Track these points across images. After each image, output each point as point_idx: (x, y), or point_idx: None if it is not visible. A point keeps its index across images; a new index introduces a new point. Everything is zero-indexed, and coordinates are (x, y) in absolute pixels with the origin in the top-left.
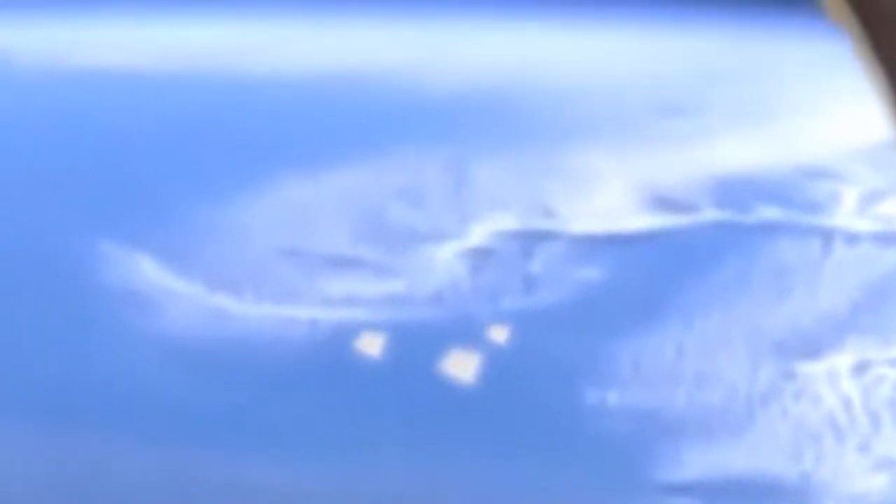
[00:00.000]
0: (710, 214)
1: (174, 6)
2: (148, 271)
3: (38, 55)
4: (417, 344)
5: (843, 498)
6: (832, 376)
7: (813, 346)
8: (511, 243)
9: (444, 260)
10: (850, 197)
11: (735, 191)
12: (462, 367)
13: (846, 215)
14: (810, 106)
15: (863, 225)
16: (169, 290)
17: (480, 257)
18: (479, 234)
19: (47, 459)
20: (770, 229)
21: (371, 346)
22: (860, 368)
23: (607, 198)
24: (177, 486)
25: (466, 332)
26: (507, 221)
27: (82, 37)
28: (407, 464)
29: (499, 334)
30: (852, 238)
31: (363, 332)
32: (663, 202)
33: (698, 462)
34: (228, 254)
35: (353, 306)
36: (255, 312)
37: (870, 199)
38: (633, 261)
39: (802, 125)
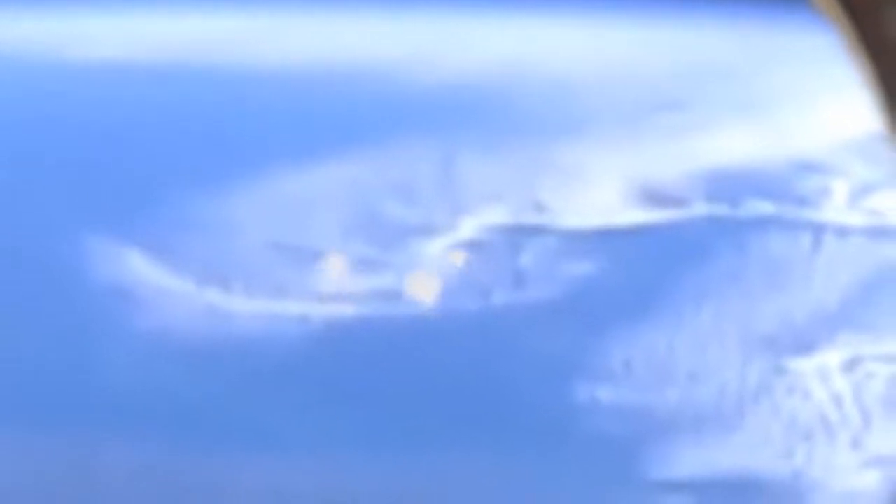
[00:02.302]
0: (701, 209)
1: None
2: (137, 266)
3: (29, 48)
4: (408, 338)
5: (834, 495)
6: (823, 372)
7: (804, 341)
8: (501, 237)
9: (435, 254)
10: (840, 191)
11: (726, 185)
12: (423, 288)
13: (837, 209)
14: (801, 99)
15: (854, 219)
16: (159, 285)
17: (471, 251)
18: (469, 227)
19: (37, 456)
20: (761, 224)
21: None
22: (851, 364)
23: (598, 192)
24: (167, 482)
25: (457, 327)
26: (497, 215)
27: (72, 30)
28: (398, 460)
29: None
30: (843, 232)
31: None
32: (654, 197)
33: (690, 459)
34: (219, 248)
35: (344, 301)
36: (245, 308)
37: (861, 193)
38: (624, 256)
39: (793, 119)
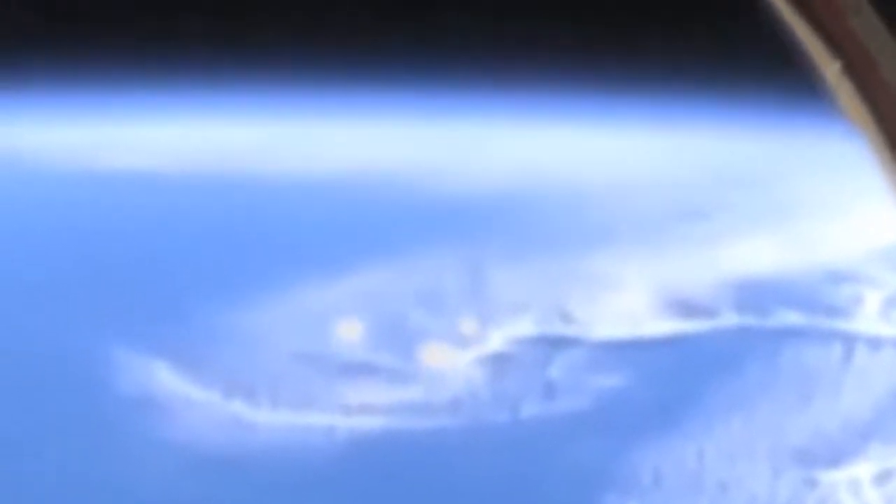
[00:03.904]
0: (730, 319)
1: (193, 109)
2: (164, 377)
3: (61, 156)
4: (435, 451)
5: None
6: (854, 485)
7: (835, 453)
8: (530, 349)
9: (463, 366)
10: (872, 300)
11: (756, 295)
12: (439, 358)
13: (869, 319)
14: (829, 207)
15: (886, 329)
16: (185, 396)
17: (499, 363)
18: (497, 339)
19: None
20: (791, 334)
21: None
22: (882, 477)
23: (626, 302)
24: None
25: (485, 439)
26: (525, 326)
27: (101, 139)
28: None
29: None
30: (875, 343)
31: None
32: (683, 307)
33: None
34: (245, 360)
35: (370, 413)
36: (271, 419)
37: (892, 303)
38: (654, 367)
39: (822, 227)
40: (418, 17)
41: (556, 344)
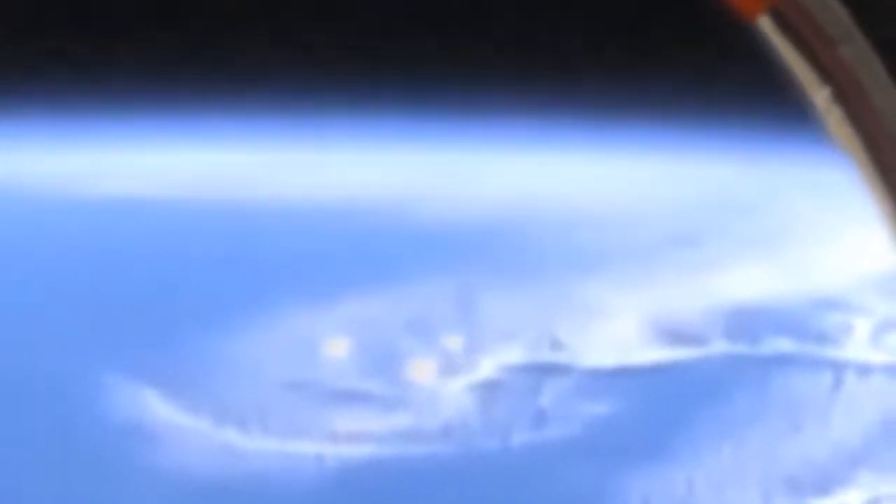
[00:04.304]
0: (720, 346)
1: (184, 135)
2: (154, 405)
3: (50, 183)
4: (425, 479)
5: None
6: None
7: (825, 481)
8: (520, 377)
9: (453, 393)
10: (862, 328)
11: (746, 322)
12: (429, 383)
13: (858, 347)
14: (819, 235)
15: (875, 357)
16: (175, 424)
17: (490, 390)
18: (488, 366)
19: None
20: (781, 362)
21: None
22: None
23: (616, 330)
24: None
25: (476, 466)
26: (515, 354)
27: (94, 165)
28: None
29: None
30: (865, 370)
31: None
32: (673, 334)
33: None
34: (235, 387)
35: (360, 441)
36: (262, 447)
37: (882, 330)
38: (644, 394)
39: (812, 254)
40: (409, 43)
41: (546, 371)
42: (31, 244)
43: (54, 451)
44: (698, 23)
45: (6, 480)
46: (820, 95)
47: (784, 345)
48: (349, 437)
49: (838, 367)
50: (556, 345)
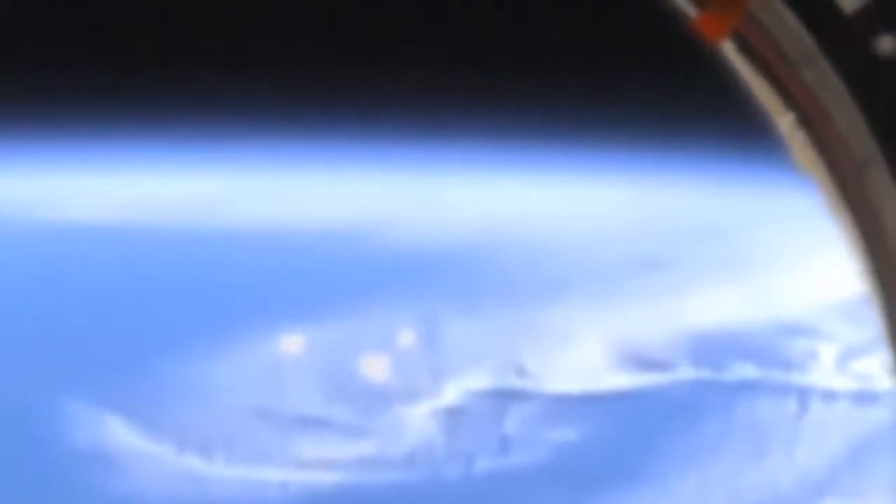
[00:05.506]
0: (685, 373)
1: (147, 161)
2: (116, 431)
3: (14, 208)
4: None
5: None
6: None
7: None
8: (484, 403)
9: (417, 420)
10: (827, 354)
11: (711, 348)
12: (376, 367)
13: (824, 373)
14: (785, 260)
15: (841, 383)
16: (138, 450)
17: (454, 417)
18: (452, 393)
19: None
20: (746, 388)
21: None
22: None
23: (581, 356)
24: None
25: (440, 494)
26: (480, 380)
27: (58, 190)
28: None
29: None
30: (830, 396)
31: None
32: (638, 360)
33: None
34: (198, 413)
35: (325, 468)
36: (225, 473)
37: (848, 356)
38: (609, 421)
39: (777, 280)
40: (373, 69)
41: (511, 397)
42: None
43: (16, 477)
44: (662, 46)
45: None
46: (784, 120)
47: (749, 371)
48: (313, 464)
49: (804, 394)
50: (521, 371)
